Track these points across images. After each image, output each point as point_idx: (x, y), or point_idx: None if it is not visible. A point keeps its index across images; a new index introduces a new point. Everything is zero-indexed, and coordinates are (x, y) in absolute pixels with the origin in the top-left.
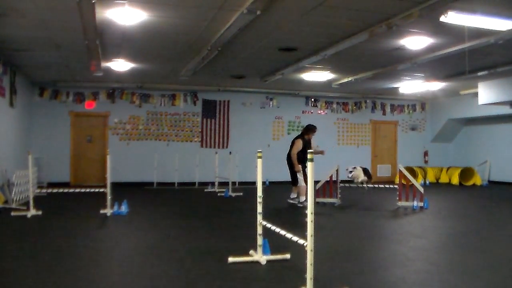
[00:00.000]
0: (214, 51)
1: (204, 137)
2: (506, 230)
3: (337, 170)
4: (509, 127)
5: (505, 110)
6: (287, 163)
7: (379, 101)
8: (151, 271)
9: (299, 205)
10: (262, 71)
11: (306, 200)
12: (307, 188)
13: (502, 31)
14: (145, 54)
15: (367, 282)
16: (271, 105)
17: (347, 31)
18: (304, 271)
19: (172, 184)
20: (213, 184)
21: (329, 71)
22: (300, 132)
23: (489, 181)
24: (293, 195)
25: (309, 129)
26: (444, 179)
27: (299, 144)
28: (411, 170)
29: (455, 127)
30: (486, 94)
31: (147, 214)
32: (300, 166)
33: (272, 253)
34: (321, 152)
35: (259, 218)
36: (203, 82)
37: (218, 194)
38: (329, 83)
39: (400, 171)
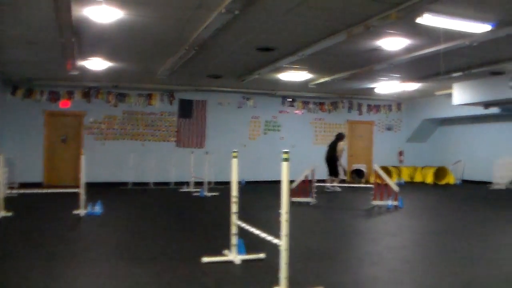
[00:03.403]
0: (192, 51)
1: (180, 137)
2: (479, 228)
3: (312, 170)
4: (482, 128)
5: (479, 110)
6: (328, 161)
7: (355, 101)
8: (124, 272)
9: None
10: (239, 71)
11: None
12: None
13: (476, 33)
14: (121, 53)
15: (342, 281)
16: (248, 105)
17: (325, 32)
18: (279, 270)
19: (148, 184)
20: (188, 184)
21: (306, 71)
22: (336, 138)
23: (463, 180)
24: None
25: (343, 136)
26: (418, 178)
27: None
28: (386, 170)
29: (430, 127)
30: (461, 95)
31: (121, 214)
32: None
33: (247, 252)
34: None
35: (234, 218)
36: (180, 82)
37: (194, 194)
38: (306, 83)
39: (376, 170)
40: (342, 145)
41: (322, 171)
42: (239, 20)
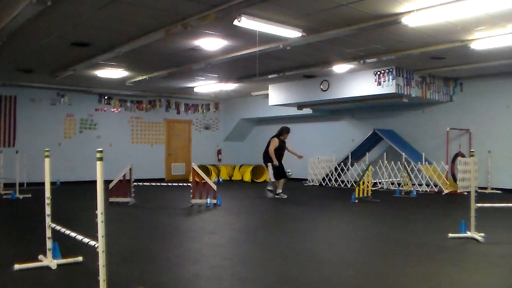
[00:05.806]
0: None
1: None
2: (292, 223)
3: (130, 169)
4: (296, 127)
5: (293, 111)
6: (264, 160)
7: (173, 100)
8: None
9: (276, 196)
10: (53, 65)
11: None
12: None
13: (289, 38)
14: None
15: (163, 281)
16: (62, 102)
17: (143, 29)
18: (97, 273)
19: None
20: None
21: (123, 69)
22: (276, 133)
23: None
24: (279, 190)
25: (284, 131)
26: (237, 176)
27: (276, 143)
28: (204, 168)
29: (247, 127)
30: (276, 96)
31: None
32: (277, 160)
33: (64, 256)
34: (299, 156)
35: (48, 220)
36: None
37: (4, 197)
38: (123, 80)
39: (194, 169)
40: (277, 141)
41: (140, 170)
42: (51, 12)
